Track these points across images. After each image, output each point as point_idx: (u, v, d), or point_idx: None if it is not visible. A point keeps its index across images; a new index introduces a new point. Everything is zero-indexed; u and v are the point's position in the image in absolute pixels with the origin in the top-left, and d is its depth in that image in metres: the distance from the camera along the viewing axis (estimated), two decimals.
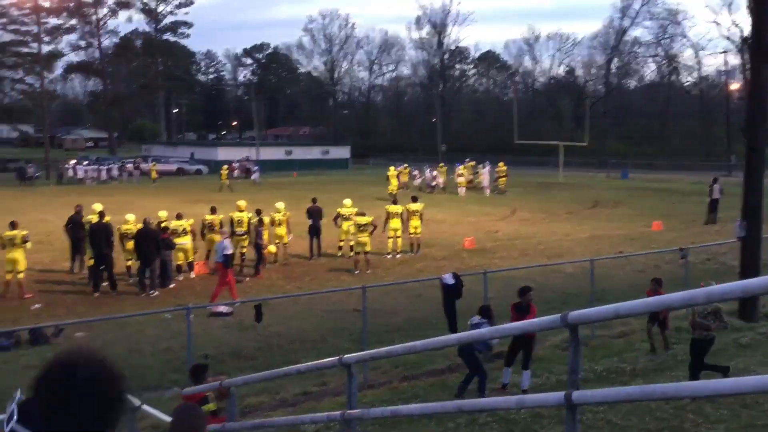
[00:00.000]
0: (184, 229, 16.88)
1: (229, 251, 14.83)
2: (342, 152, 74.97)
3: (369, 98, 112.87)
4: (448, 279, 11.22)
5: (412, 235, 20.25)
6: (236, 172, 53.23)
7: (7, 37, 78.03)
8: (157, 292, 15.41)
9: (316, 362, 6.32)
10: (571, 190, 41.74)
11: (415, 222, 20.22)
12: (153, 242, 15.58)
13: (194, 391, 6.81)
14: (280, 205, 19.07)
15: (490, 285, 11.93)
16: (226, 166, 47.53)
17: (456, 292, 11.19)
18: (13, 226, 15.55)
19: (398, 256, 19.72)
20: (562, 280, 16.22)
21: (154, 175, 51.96)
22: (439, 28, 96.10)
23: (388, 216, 19.73)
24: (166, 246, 15.91)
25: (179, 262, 16.95)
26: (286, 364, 10.15)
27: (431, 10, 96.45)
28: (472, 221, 27.62)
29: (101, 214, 16.40)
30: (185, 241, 16.82)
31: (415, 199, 21.06)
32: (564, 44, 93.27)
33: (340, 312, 13.72)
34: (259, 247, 17.37)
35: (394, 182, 36.88)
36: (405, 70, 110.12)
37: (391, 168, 40.61)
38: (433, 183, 42.18)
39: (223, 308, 13.60)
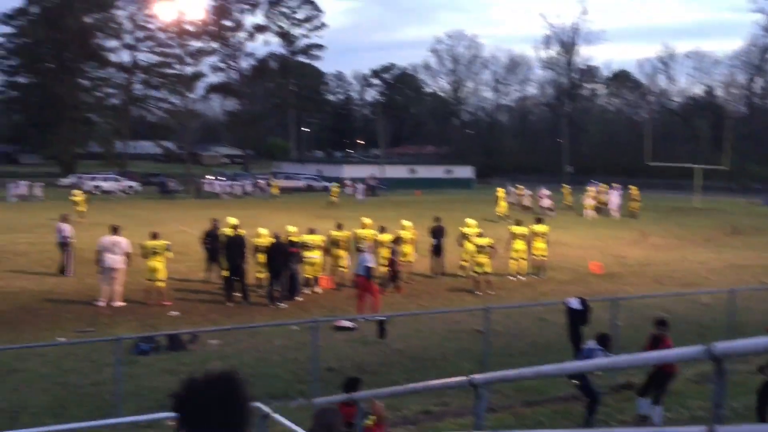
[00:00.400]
0: (316, 243, 17.34)
1: (371, 264, 15.08)
2: (465, 172, 74.88)
3: (494, 118, 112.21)
4: (575, 304, 10.94)
5: (536, 258, 19.90)
6: (352, 190, 53.53)
7: (155, 59, 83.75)
8: (285, 305, 15.93)
9: (444, 380, 6.33)
10: (708, 215, 39.65)
11: (539, 244, 19.87)
12: (283, 256, 16.15)
13: (330, 401, 6.96)
14: (407, 223, 19.29)
15: (619, 313, 11.52)
16: (336, 183, 49.08)
17: (582, 317, 10.88)
18: (155, 236, 16.55)
19: (521, 278, 19.42)
20: (698, 311, 15.42)
21: (275, 190, 53.76)
22: (569, 47, 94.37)
23: (512, 237, 19.51)
24: (295, 260, 16.46)
25: (307, 276, 17.43)
26: (407, 381, 10.25)
27: (560, 29, 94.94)
28: (599, 245, 26.78)
29: (235, 228, 17.16)
30: (315, 256, 17.29)
31: (539, 221, 20.72)
32: (702, 63, 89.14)
33: (462, 332, 13.66)
34: (394, 264, 17.53)
35: (503, 204, 36.49)
36: (531, 90, 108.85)
37: (500, 189, 40.01)
38: (542, 204, 40.36)
39: (347, 323, 13.87)
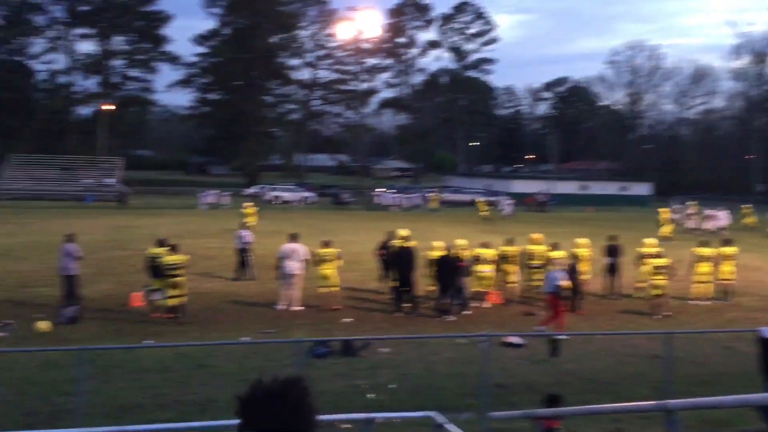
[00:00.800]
0: (489, 257, 17.28)
1: (561, 282, 14.82)
2: (642, 188, 71.50)
3: (675, 132, 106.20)
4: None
5: (723, 281, 18.57)
6: (502, 206, 50.66)
7: (332, 76, 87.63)
8: (453, 317, 16.00)
9: (634, 404, 6.09)
10: None
11: (727, 267, 18.54)
12: (451, 269, 16.24)
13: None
14: (582, 240, 18.76)
15: None
16: (483, 199, 48.35)
17: None
18: (326, 244, 17.24)
19: (706, 303, 18.19)
20: None
21: (434, 204, 53.66)
22: (761, 56, 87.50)
23: (697, 259, 18.34)
24: (462, 273, 16.49)
25: (476, 289, 17.40)
26: (579, 403, 9.91)
27: (752, 38, 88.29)
28: None
29: (405, 239, 17.48)
30: (487, 269, 17.23)
31: (728, 242, 19.34)
32: None
33: (638, 356, 13.03)
34: (576, 282, 17.07)
35: (666, 225, 34.06)
36: (718, 103, 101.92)
37: (665, 209, 37.43)
38: (711, 225, 37.32)
39: (516, 339, 13.69)
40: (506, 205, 51.00)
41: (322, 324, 15.35)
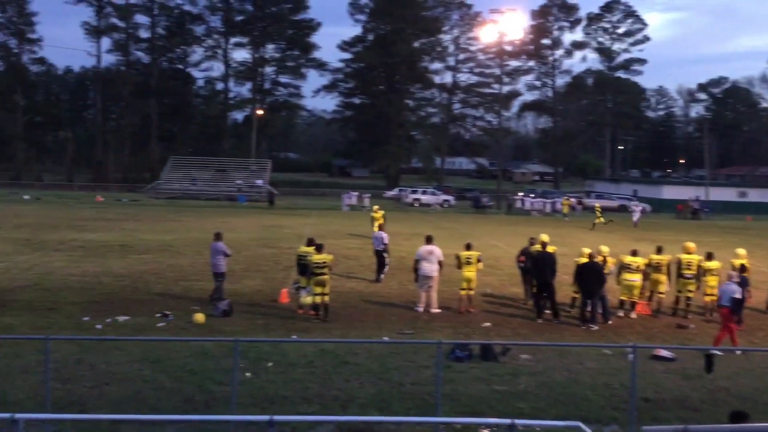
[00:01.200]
0: (638, 266, 16.57)
1: (738, 295, 14.01)
2: None
3: None
4: None
5: None
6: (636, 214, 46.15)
7: (474, 79, 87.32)
8: (596, 326, 15.48)
9: None
10: None
11: None
12: (597, 276, 15.71)
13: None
14: (741, 251, 17.61)
15: None
16: (598, 205, 46.03)
17: None
18: (468, 247, 17.17)
19: None
20: None
21: (565, 210, 52.07)
22: None
23: None
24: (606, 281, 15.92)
25: (623, 298, 16.74)
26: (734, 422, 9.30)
27: None
28: None
29: (544, 244, 17.06)
30: (635, 278, 16.52)
31: None
32: None
33: None
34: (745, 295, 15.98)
35: None
36: None
37: None
38: None
39: (666, 353, 13.03)
40: (636, 211, 46.44)
41: (460, 327, 15.32)
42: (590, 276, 15.76)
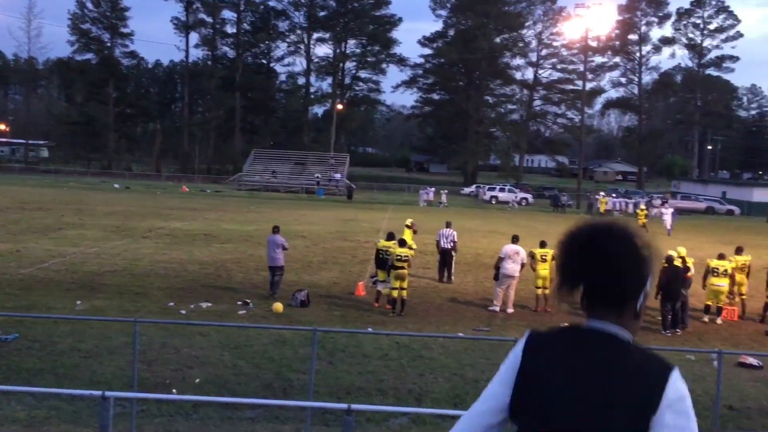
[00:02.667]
0: (725, 270, 15.96)
1: None
2: None
3: None
4: None
5: None
6: (657, 213, 43.20)
7: (556, 75, 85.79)
8: (679, 331, 15.02)
9: None
10: None
11: None
12: (678, 279, 15.23)
13: None
14: None
15: None
16: (644, 205, 44.33)
17: None
18: (543, 245, 16.90)
19: None
20: None
21: (602, 208, 50.07)
22: None
23: None
24: (686, 285, 15.40)
25: (710, 303, 16.18)
26: None
27: None
28: None
29: (682, 259, 16.48)
30: (723, 283, 15.93)
31: None
32: None
33: None
34: None
35: None
36: None
37: None
38: None
39: (753, 360, 12.54)
40: (666, 214, 39.60)
41: (537, 326, 15.12)
42: (673, 279, 15.29)
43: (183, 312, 14.67)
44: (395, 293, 15.55)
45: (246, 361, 11.78)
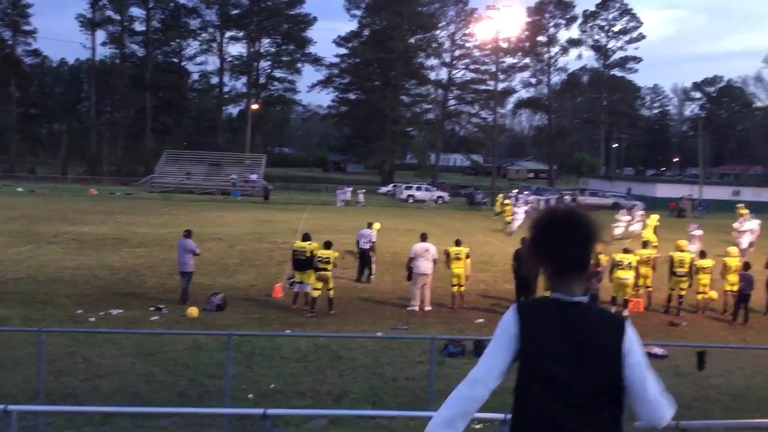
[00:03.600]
0: (630, 263, 16.50)
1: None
2: None
3: None
4: None
5: None
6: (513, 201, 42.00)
7: (469, 76, 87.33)
8: None
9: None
10: None
11: None
12: (589, 274, 15.72)
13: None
14: (733, 250, 17.71)
15: None
16: (501, 195, 44.67)
17: None
18: (458, 243, 17.18)
19: None
20: None
21: (498, 208, 43.76)
22: None
23: None
24: (596, 279, 15.89)
25: (615, 295, 16.77)
26: (724, 419, 9.37)
27: None
28: None
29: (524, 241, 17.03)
30: (628, 276, 16.41)
31: None
32: None
33: None
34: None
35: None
36: None
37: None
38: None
39: (658, 350, 13.09)
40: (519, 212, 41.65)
41: (454, 323, 15.36)
42: None
43: (92, 319, 14.16)
44: (316, 293, 15.48)
45: (159, 368, 11.47)
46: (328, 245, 15.87)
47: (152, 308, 15.24)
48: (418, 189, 61.57)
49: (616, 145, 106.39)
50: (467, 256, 16.85)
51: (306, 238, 16.64)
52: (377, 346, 13.07)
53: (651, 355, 12.97)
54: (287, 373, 11.47)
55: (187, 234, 16.91)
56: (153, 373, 11.19)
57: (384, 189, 66.14)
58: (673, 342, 14.23)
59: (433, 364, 9.19)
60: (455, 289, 16.79)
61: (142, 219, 34.40)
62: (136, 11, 78.66)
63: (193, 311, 14.80)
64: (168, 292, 17.12)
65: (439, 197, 60.41)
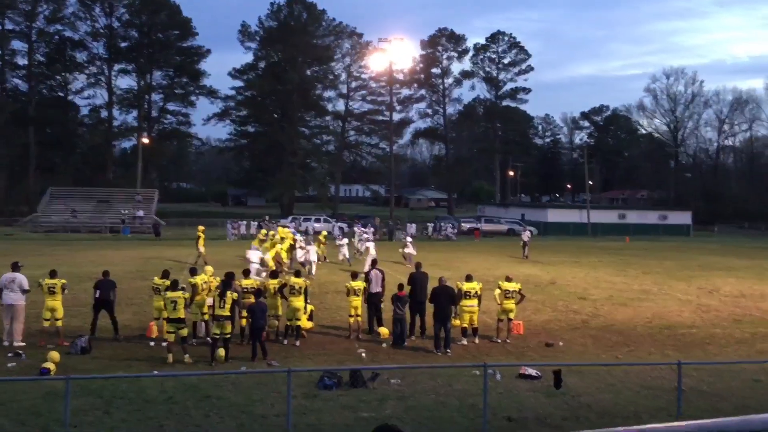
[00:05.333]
0: (476, 291, 16.10)
1: None
2: (682, 218, 69.89)
3: (717, 160, 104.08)
4: None
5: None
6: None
7: (366, 107, 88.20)
8: (449, 352, 15.26)
9: (639, 427, 5.55)
10: None
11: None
12: (448, 301, 15.73)
13: None
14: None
15: None
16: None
17: None
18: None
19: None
20: None
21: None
22: None
23: None
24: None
25: (465, 326, 16.21)
26: None
27: None
28: None
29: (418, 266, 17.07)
30: (473, 304, 16.00)
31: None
32: None
33: (659, 389, 12.43)
34: None
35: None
36: (761, 130, 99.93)
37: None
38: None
39: (532, 371, 13.20)
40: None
41: (334, 355, 15.05)
42: (444, 299, 15.66)
43: None
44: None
45: (8, 419, 10.61)
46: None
47: (10, 354, 14.19)
48: (317, 220, 61.21)
49: (512, 173, 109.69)
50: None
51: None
52: (250, 382, 12.60)
53: (525, 376, 13.10)
54: (149, 417, 10.84)
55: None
56: (2, 425, 10.34)
57: (283, 221, 65.34)
58: (550, 362, 14.40)
59: (289, 397, 8.85)
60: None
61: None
62: (17, 44, 75.28)
63: (54, 356, 13.83)
64: (30, 336, 15.99)
65: (340, 228, 60.14)
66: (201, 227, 33.48)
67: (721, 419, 3.73)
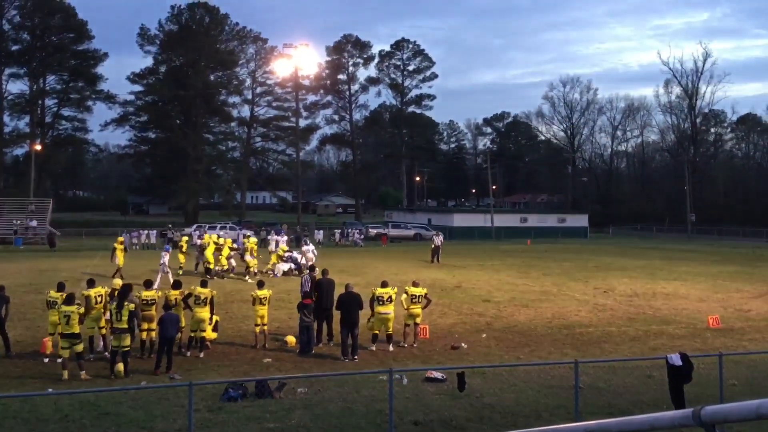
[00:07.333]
0: (390, 296, 16.24)
1: None
2: (580, 220, 72.71)
3: (611, 165, 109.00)
4: (675, 360, 10.00)
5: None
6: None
7: (272, 113, 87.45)
8: (356, 359, 15.28)
9: (542, 428, 5.73)
10: None
11: None
12: (357, 306, 15.80)
13: None
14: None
15: (731, 371, 10.47)
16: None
17: (684, 374, 9.93)
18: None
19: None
20: None
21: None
22: (691, 90, 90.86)
23: None
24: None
25: (377, 332, 16.28)
26: None
27: (681, 72, 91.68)
28: (721, 298, 24.95)
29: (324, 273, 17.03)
30: (388, 311, 16.08)
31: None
32: None
33: (561, 388, 12.84)
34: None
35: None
36: (651, 136, 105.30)
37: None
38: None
39: (437, 374, 13.37)
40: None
41: (239, 365, 14.79)
42: (351, 306, 15.69)
43: None
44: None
45: None
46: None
47: None
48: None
49: (418, 178, 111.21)
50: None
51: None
52: (152, 397, 12.20)
53: (431, 380, 13.25)
54: None
55: None
56: None
57: (188, 230, 63.78)
58: (456, 365, 14.62)
59: (191, 411, 8.63)
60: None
61: None
62: None
63: None
64: None
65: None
66: (120, 238, 32.01)
67: (602, 420, 3.89)
